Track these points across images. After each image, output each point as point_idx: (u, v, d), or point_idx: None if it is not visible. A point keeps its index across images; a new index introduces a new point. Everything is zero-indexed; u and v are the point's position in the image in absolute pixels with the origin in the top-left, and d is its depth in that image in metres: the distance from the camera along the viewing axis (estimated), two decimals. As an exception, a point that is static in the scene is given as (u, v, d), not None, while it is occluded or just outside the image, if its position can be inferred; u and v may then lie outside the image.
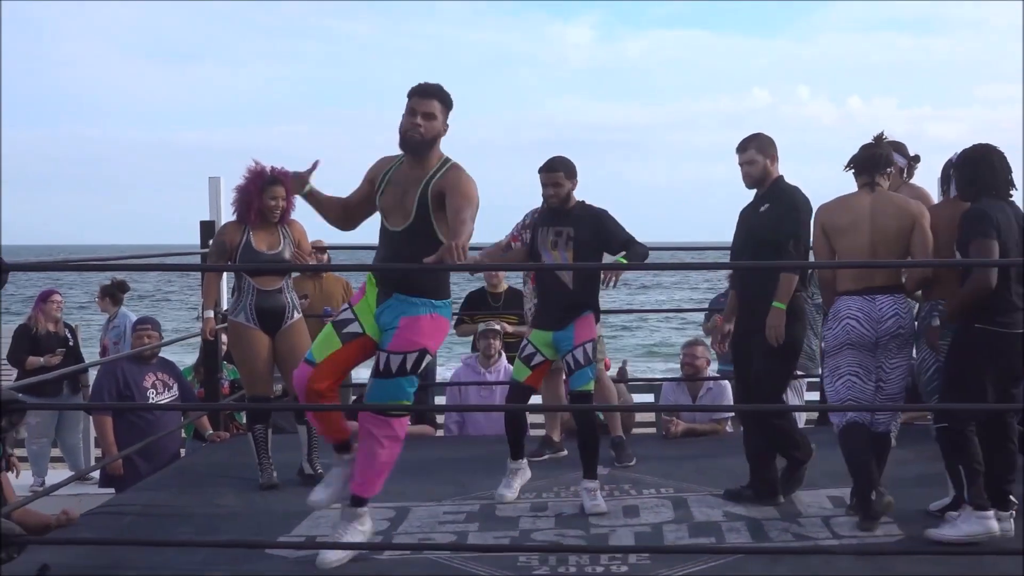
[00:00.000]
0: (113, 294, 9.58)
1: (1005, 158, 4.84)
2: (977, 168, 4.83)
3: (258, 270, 6.04)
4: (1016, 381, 4.80)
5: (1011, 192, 4.83)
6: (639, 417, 9.12)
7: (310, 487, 5.09)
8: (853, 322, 5.02)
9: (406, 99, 4.60)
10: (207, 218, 7.46)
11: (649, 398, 10.23)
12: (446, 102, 4.61)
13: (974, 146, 4.88)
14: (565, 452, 6.51)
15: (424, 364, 4.60)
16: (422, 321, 4.54)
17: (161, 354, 7.50)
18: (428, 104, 4.52)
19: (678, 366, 7.62)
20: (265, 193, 5.97)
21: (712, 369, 7.63)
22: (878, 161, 5.16)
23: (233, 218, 6.12)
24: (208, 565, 4.56)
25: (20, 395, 5.86)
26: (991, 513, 4.64)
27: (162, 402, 7.14)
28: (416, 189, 4.53)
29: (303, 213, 6.15)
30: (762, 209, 5.51)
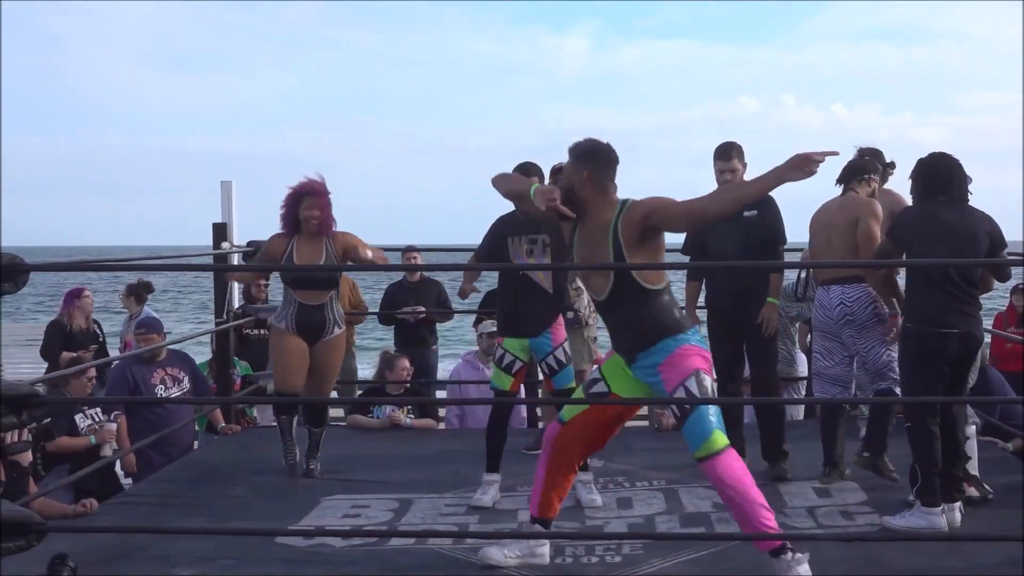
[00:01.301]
0: (138, 293, 9.75)
1: (955, 165, 5.02)
2: (922, 174, 5.08)
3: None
4: (961, 377, 5.01)
5: (960, 196, 5.01)
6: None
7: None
8: (815, 310, 5.78)
9: None
10: (219, 220, 7.64)
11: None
12: (573, 154, 4.35)
13: (928, 155, 5.11)
14: None
15: (708, 386, 4.20)
16: (675, 356, 4.18)
17: (175, 347, 7.69)
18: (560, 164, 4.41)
19: None
20: (301, 204, 6.05)
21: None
22: (853, 171, 5.73)
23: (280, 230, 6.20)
24: (220, 552, 4.70)
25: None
26: (939, 510, 4.86)
27: (173, 396, 7.31)
28: (606, 246, 4.24)
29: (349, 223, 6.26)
30: (747, 214, 5.92)
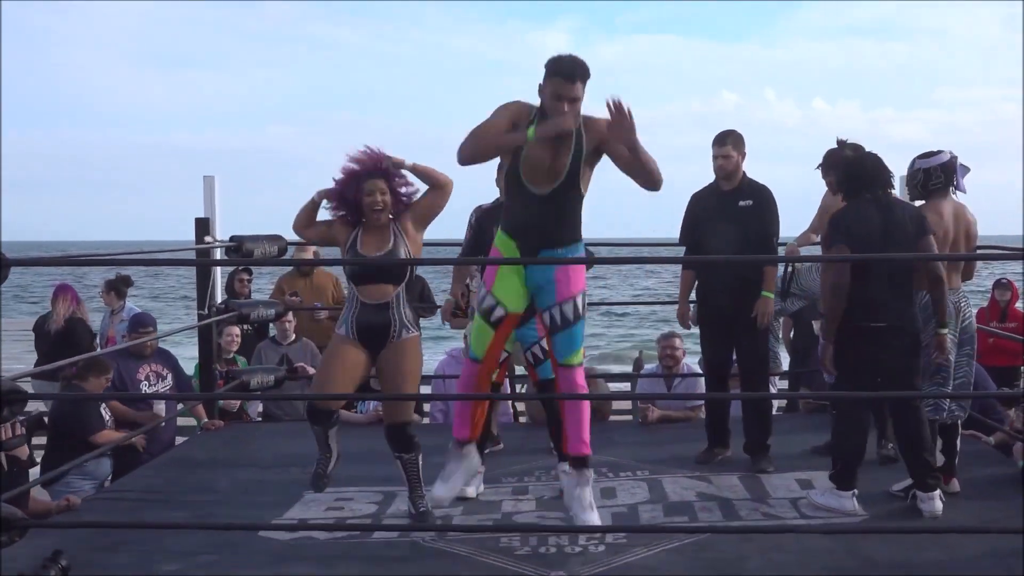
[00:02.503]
0: (118, 288, 9.67)
1: (878, 162, 5.26)
2: (848, 175, 5.32)
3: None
4: (907, 368, 5.15)
5: (882, 190, 5.20)
6: (616, 405, 9.41)
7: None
8: None
9: (546, 74, 4.54)
10: (202, 215, 7.61)
11: (625, 386, 10.49)
12: (586, 75, 4.58)
13: (850, 154, 5.47)
14: (501, 446, 6.62)
15: (582, 305, 4.73)
16: (571, 269, 4.70)
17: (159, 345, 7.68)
18: (574, 89, 4.52)
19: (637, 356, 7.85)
20: (362, 189, 5.05)
21: (686, 360, 7.88)
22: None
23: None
24: (203, 547, 4.69)
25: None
26: (850, 494, 5.10)
27: (155, 393, 7.29)
28: (568, 152, 4.59)
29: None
30: (742, 204, 5.99)
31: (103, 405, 6.72)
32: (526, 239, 4.72)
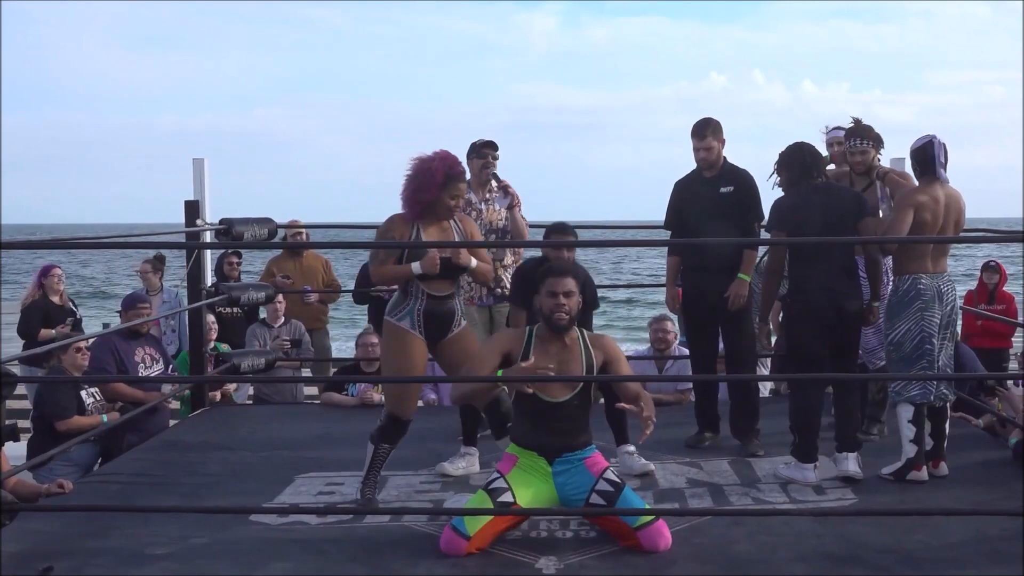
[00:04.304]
0: (161, 269, 9.54)
1: (815, 152, 5.64)
2: (791, 164, 5.61)
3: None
4: (849, 344, 5.50)
5: (815, 178, 5.54)
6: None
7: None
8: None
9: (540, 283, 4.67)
10: (191, 198, 7.58)
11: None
12: (579, 276, 4.78)
13: (790, 145, 5.65)
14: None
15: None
16: (594, 456, 4.68)
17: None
18: (565, 283, 4.59)
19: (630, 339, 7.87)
20: (446, 190, 5.05)
21: (678, 343, 7.88)
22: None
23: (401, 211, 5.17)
24: (194, 531, 4.68)
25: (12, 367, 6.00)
26: (811, 466, 5.36)
27: (150, 376, 7.29)
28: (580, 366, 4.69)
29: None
30: (723, 190, 6.05)
31: (86, 388, 6.69)
32: (547, 450, 4.65)
